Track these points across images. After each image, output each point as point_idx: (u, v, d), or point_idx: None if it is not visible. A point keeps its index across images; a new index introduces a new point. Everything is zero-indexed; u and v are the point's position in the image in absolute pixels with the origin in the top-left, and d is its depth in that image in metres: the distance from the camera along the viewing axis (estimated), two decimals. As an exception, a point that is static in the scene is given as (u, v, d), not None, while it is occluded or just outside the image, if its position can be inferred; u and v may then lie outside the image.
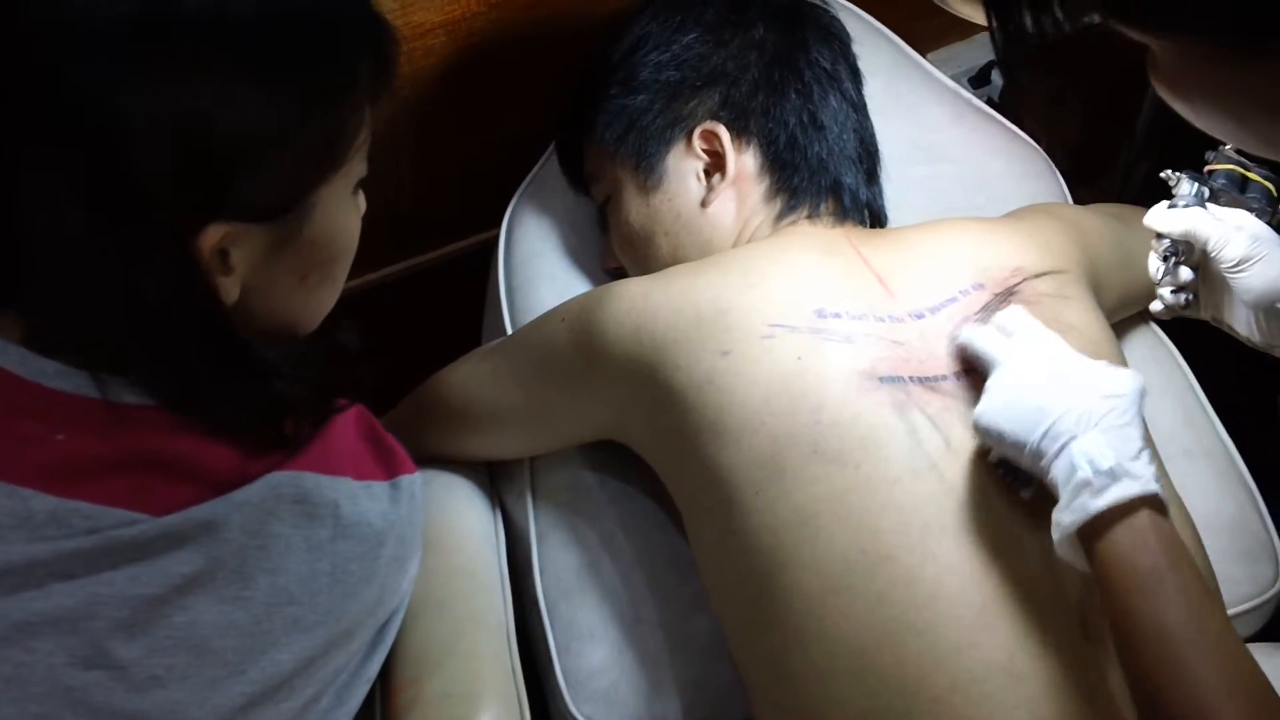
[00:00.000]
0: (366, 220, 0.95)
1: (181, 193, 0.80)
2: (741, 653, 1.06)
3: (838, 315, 1.06)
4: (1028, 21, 0.75)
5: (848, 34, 1.30)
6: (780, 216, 1.21)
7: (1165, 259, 1.04)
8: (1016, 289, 1.09)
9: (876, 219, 1.27)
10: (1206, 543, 1.08)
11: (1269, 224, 1.01)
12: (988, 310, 1.08)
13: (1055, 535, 0.89)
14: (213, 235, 0.82)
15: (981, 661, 0.93)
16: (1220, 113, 0.71)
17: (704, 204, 1.21)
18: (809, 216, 1.21)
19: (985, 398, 0.96)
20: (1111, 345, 1.12)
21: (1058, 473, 0.89)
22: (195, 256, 0.82)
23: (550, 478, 1.24)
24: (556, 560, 1.20)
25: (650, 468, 1.14)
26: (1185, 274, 1.04)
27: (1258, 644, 1.22)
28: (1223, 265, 1.00)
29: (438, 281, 1.61)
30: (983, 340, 1.01)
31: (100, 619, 0.83)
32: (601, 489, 1.21)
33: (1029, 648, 0.94)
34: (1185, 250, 1.05)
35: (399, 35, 0.89)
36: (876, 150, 1.28)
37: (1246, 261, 0.98)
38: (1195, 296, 1.07)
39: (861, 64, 1.30)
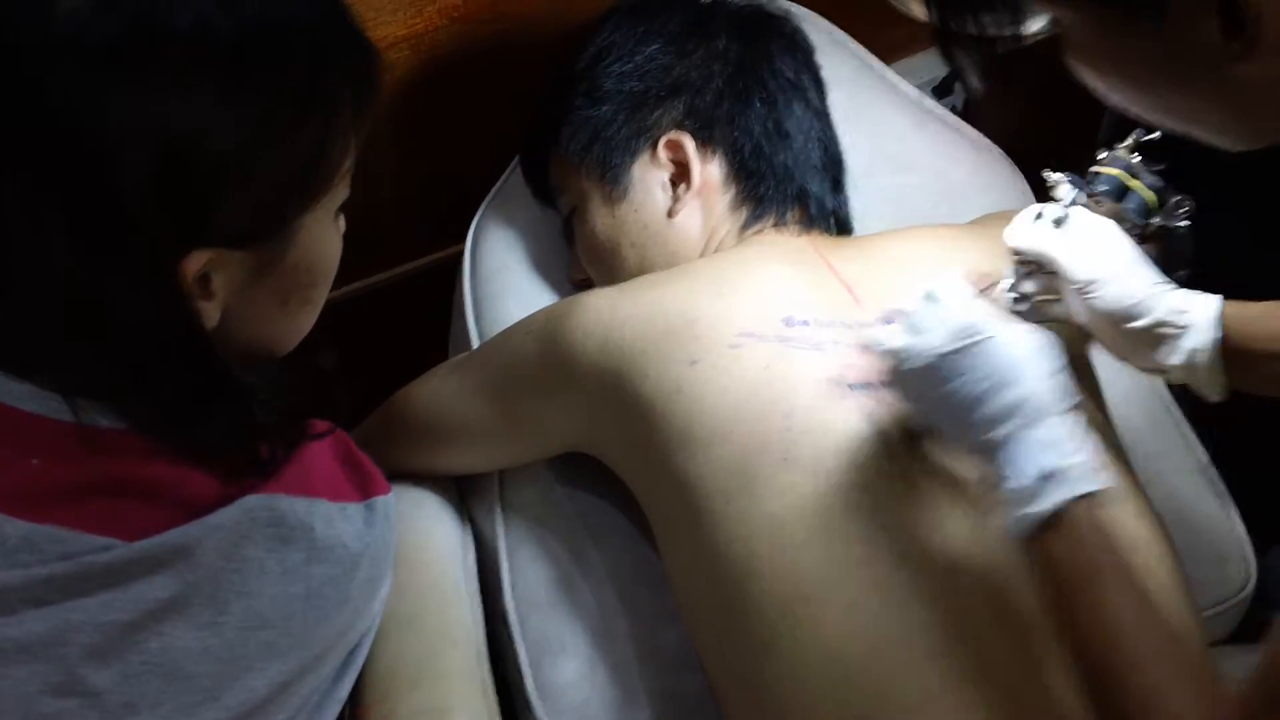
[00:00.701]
0: None
1: (165, 217, 0.79)
2: (714, 663, 1.06)
3: (805, 323, 1.07)
4: (970, 24, 0.76)
5: (811, 44, 1.31)
6: (746, 225, 1.21)
7: (1015, 270, 1.04)
8: (985, 295, 1.05)
9: (843, 227, 1.27)
10: (1177, 544, 1.08)
11: (1140, 234, 1.02)
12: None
13: (1009, 532, 0.88)
14: (196, 261, 0.81)
15: (955, 669, 0.93)
16: (1126, 83, 0.72)
17: (670, 214, 1.21)
18: (775, 225, 1.21)
19: (905, 359, 0.93)
20: (1080, 347, 1.13)
21: (999, 464, 0.87)
22: (177, 282, 0.81)
23: (519, 491, 1.23)
24: (526, 574, 1.20)
25: (620, 480, 1.14)
26: (1028, 286, 1.03)
27: (1230, 646, 1.22)
28: (1071, 286, 1.00)
29: (402, 298, 1.60)
30: (911, 308, 0.97)
31: (72, 645, 0.82)
32: (571, 502, 1.21)
33: (1001, 654, 0.94)
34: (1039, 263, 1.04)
35: (380, 57, 0.89)
36: (841, 159, 1.29)
37: (1092, 284, 0.99)
38: (1037, 304, 1.06)
39: (825, 74, 1.31)
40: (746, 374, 1.04)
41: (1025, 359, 0.89)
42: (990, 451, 0.88)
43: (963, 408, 0.89)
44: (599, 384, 1.09)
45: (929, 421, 0.95)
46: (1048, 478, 0.85)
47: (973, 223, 1.28)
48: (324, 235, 0.89)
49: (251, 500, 0.85)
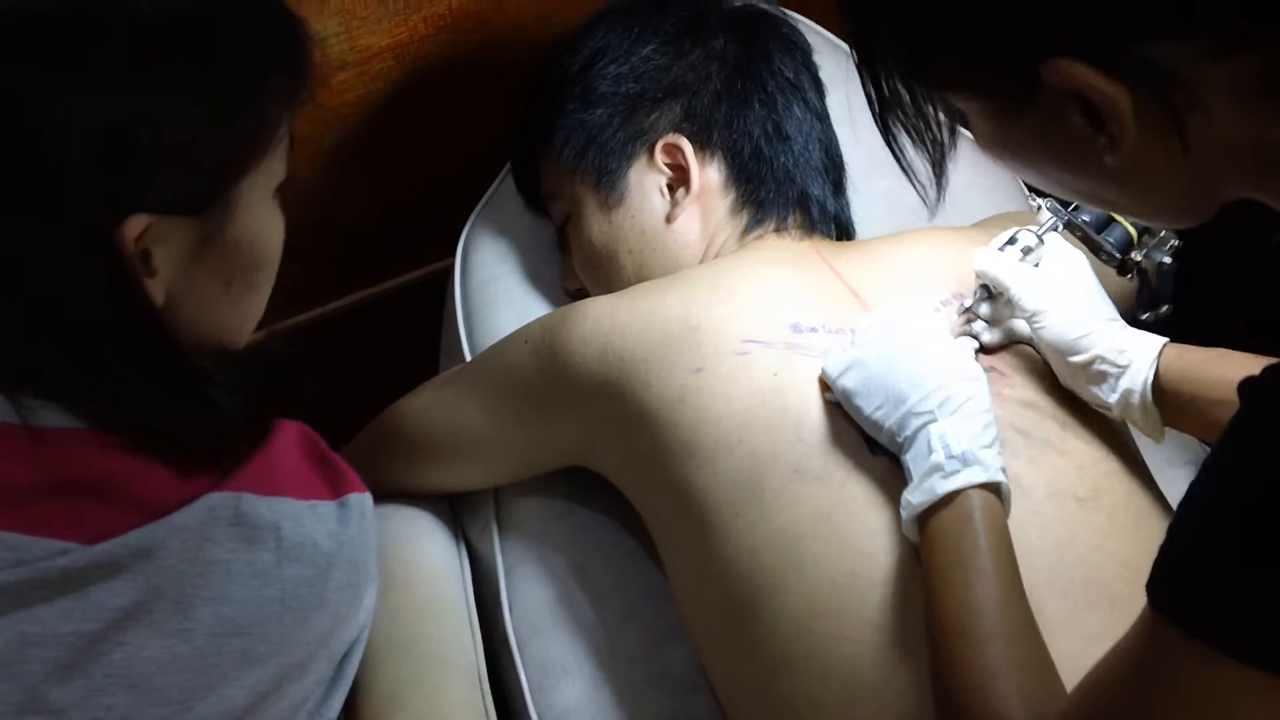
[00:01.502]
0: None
1: (99, 183, 0.80)
2: (724, 682, 1.04)
3: (814, 329, 1.05)
4: (903, 130, 0.78)
5: (809, 44, 1.29)
6: (747, 230, 1.20)
7: (976, 292, 1.09)
8: (948, 313, 1.10)
9: (844, 231, 1.26)
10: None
11: (1119, 267, 1.06)
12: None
13: (904, 515, 0.91)
14: (134, 227, 0.81)
15: None
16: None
17: (668, 219, 1.20)
18: (776, 230, 1.20)
19: (847, 365, 0.99)
20: None
21: (913, 452, 0.92)
22: (119, 253, 0.81)
23: (516, 508, 1.22)
24: (526, 594, 1.18)
25: (621, 494, 1.13)
26: (983, 309, 1.08)
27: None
28: (1021, 314, 1.05)
29: (391, 313, 1.60)
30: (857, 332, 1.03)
31: (33, 661, 0.80)
32: (570, 518, 1.19)
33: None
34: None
35: (313, 33, 0.91)
36: (842, 161, 1.27)
37: (1038, 315, 1.03)
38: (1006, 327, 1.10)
39: (821, 75, 1.29)
40: (753, 381, 1.02)
41: (930, 366, 0.95)
42: (900, 452, 0.94)
43: (872, 415, 0.96)
44: (599, 394, 1.07)
45: (869, 431, 0.99)
46: (964, 459, 0.89)
47: (977, 225, 1.26)
48: (262, 213, 0.90)
49: (215, 498, 0.84)
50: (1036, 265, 1.07)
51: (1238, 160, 0.67)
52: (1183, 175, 0.68)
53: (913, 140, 0.78)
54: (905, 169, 0.81)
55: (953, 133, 0.78)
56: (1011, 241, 1.07)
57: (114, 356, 0.83)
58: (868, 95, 0.76)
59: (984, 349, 1.08)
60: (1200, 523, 0.68)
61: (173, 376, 0.85)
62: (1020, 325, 1.08)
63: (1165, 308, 1.06)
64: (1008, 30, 0.67)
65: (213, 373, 0.87)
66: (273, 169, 0.89)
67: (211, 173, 0.85)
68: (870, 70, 0.75)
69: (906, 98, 0.75)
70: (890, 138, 0.78)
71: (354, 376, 1.31)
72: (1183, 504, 0.69)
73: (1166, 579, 0.68)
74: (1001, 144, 0.74)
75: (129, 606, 0.82)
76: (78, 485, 0.83)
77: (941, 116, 0.76)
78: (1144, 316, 1.07)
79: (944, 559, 0.88)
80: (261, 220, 0.90)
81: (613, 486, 1.13)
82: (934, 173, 0.81)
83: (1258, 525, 0.64)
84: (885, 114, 0.76)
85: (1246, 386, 0.67)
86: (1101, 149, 0.68)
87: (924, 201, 0.85)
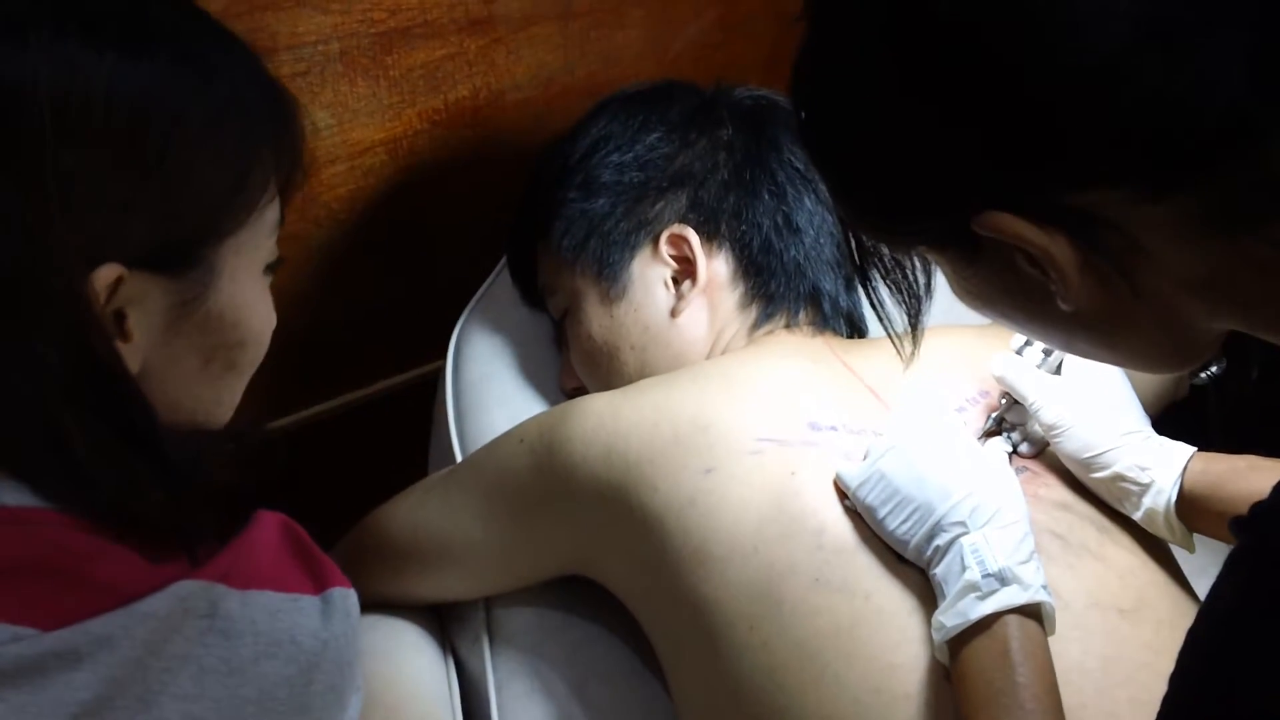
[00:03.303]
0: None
1: (69, 224, 0.77)
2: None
3: (833, 428, 1.03)
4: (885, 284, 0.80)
5: (819, 135, 1.27)
6: (756, 325, 1.18)
7: (1001, 399, 1.08)
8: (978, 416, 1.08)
9: (856, 329, 1.24)
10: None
11: None
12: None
13: (936, 638, 0.88)
14: (106, 274, 0.78)
15: None
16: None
17: (673, 313, 1.18)
18: (787, 325, 1.18)
19: (867, 476, 0.96)
20: None
21: (943, 567, 0.90)
22: (88, 307, 0.78)
23: (509, 620, 1.18)
24: (519, 714, 1.14)
25: (624, 605, 1.09)
26: (1012, 415, 1.07)
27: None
28: (1040, 423, 1.04)
29: (379, 417, 1.57)
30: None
31: None
32: (567, 630, 1.16)
33: None
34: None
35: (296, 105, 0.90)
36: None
37: (1055, 429, 1.02)
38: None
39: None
40: (770, 483, 0.99)
41: (959, 472, 0.93)
42: (929, 567, 0.92)
43: (897, 531, 0.94)
44: (601, 498, 1.04)
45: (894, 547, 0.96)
46: (972, 588, 0.87)
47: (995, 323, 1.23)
48: (248, 287, 0.88)
49: (187, 586, 0.80)
50: (1059, 366, 1.04)
51: (1194, 298, 0.67)
52: (1144, 317, 0.68)
53: (890, 291, 0.80)
54: (882, 320, 0.82)
55: (928, 285, 0.80)
56: (1030, 342, 1.04)
57: (79, 426, 0.79)
58: (847, 245, 0.78)
59: (1016, 452, 1.06)
60: (1202, 682, 0.65)
61: (143, 453, 0.82)
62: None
63: (1214, 367, 1.03)
64: (931, 185, 0.68)
65: (191, 454, 0.84)
66: (259, 243, 0.87)
67: (185, 227, 0.83)
68: (846, 223, 0.78)
69: (884, 248, 0.77)
70: (870, 289, 0.79)
71: (338, 482, 1.29)
72: (1183, 655, 0.65)
73: None
74: (968, 293, 0.74)
75: (90, 702, 0.76)
76: (37, 567, 0.79)
77: (919, 266, 0.78)
78: (1195, 380, 1.06)
79: (979, 695, 0.84)
80: (246, 295, 0.87)
81: (614, 597, 1.10)
82: (910, 324, 0.82)
83: (1264, 684, 0.60)
84: (864, 263, 0.78)
85: (1239, 525, 0.64)
86: (1056, 295, 0.68)
87: (899, 354, 0.86)
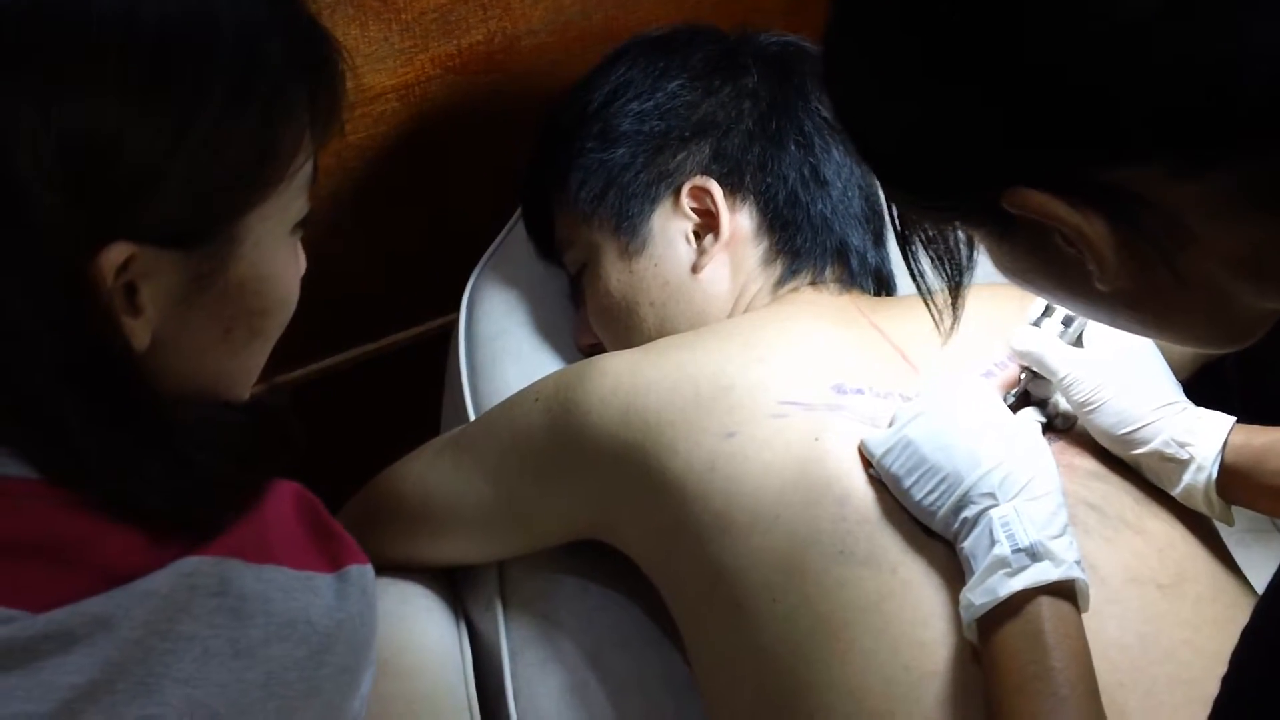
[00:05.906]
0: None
1: (69, 203, 0.75)
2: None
3: (859, 391, 1.01)
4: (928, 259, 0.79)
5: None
6: (781, 282, 1.16)
7: (1022, 375, 1.04)
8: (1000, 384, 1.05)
9: (884, 286, 1.21)
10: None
11: None
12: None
13: (964, 616, 0.87)
14: (115, 256, 0.75)
15: None
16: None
17: (695, 269, 1.16)
18: (813, 282, 1.16)
19: (892, 443, 0.94)
20: None
21: (971, 540, 0.88)
22: (92, 282, 0.75)
23: (523, 584, 1.17)
24: (533, 682, 1.13)
25: (641, 571, 1.08)
26: (1035, 389, 1.03)
27: None
28: (1069, 399, 1.01)
29: (391, 371, 1.56)
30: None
31: None
32: (584, 597, 1.15)
33: None
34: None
35: (338, 50, 0.85)
36: (883, 210, 1.22)
37: (1088, 405, 0.99)
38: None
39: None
40: (793, 448, 0.97)
41: (988, 441, 0.91)
42: (956, 540, 0.89)
43: (923, 502, 0.92)
44: (618, 460, 1.02)
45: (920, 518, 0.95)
46: (1002, 564, 0.85)
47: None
48: (275, 251, 0.84)
49: (192, 563, 0.78)
50: (1080, 336, 1.01)
51: (1238, 277, 0.66)
52: (1188, 297, 0.67)
53: (932, 261, 0.78)
54: (923, 293, 0.80)
55: (970, 255, 0.78)
56: (1047, 312, 1.01)
57: (75, 405, 0.77)
58: (890, 215, 0.77)
59: (1052, 426, 1.02)
60: (1261, 684, 0.62)
61: (148, 435, 0.79)
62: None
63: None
64: (958, 162, 0.67)
65: (194, 428, 0.81)
66: (289, 204, 0.83)
67: (206, 201, 0.79)
68: (888, 194, 0.77)
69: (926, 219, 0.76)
70: (912, 258, 0.78)
71: (348, 439, 1.28)
72: (1239, 653, 0.63)
73: None
74: (1008, 269, 0.73)
75: (84, 686, 0.74)
76: (33, 545, 0.77)
77: (961, 237, 0.76)
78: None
79: (1010, 680, 0.83)
80: (273, 260, 0.83)
81: (632, 563, 1.08)
82: (951, 296, 0.81)
83: None
84: (907, 231, 0.76)
85: None
86: (1093, 275, 0.67)
87: (937, 327, 0.84)
